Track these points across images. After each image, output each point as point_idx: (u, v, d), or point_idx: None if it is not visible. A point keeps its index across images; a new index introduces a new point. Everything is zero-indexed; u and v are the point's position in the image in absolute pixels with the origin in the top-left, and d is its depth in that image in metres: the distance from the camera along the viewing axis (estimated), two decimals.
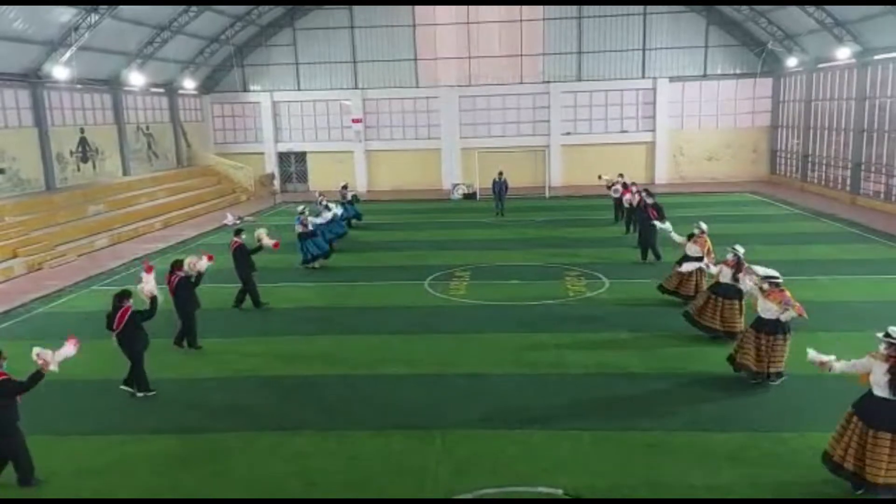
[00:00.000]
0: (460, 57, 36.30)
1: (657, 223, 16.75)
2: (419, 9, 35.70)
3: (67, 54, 24.30)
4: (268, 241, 14.91)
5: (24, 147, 24.57)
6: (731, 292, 11.76)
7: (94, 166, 28.62)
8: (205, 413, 9.89)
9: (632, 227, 21.81)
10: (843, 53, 27.22)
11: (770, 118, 35.90)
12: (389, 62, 36.54)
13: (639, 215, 19.76)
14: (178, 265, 12.21)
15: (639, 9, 34.82)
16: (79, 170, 27.60)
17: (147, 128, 32.87)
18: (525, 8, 35.36)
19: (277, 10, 35.41)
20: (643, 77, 35.72)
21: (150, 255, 21.34)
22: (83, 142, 27.91)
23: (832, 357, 7.76)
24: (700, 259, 13.58)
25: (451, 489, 7.66)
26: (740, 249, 11.89)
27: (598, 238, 22.03)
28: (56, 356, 8.03)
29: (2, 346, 9.32)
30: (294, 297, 15.94)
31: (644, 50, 35.47)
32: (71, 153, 27.19)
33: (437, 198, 33.65)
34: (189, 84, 34.61)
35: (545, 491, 7.55)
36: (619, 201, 23.24)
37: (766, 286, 10.04)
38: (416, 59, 36.52)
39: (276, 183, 37.00)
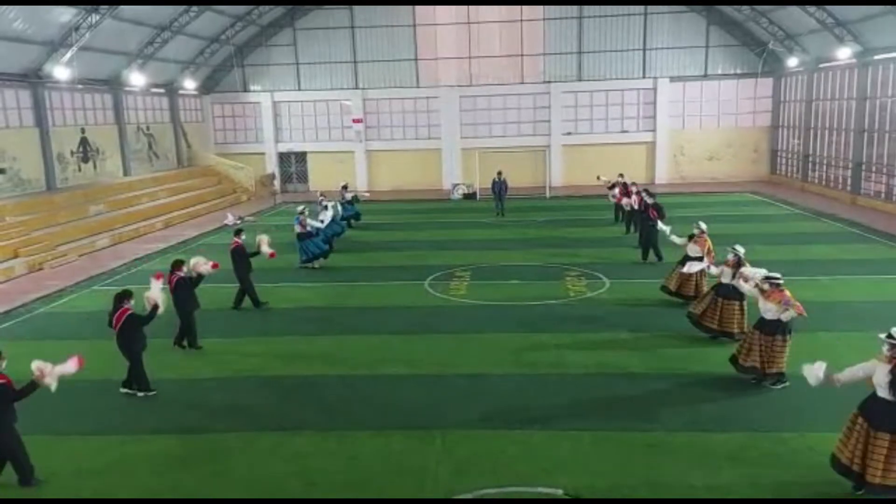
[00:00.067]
0: (461, 57, 36.30)
1: (659, 224, 16.75)
2: (419, 9, 35.70)
3: (68, 54, 24.31)
4: (266, 249, 14.78)
5: (25, 147, 24.58)
6: (731, 293, 11.74)
7: (95, 166, 28.63)
8: (205, 413, 9.89)
9: (632, 228, 21.82)
10: (844, 53, 27.22)
11: (771, 118, 35.89)
12: (390, 62, 36.55)
13: (639, 216, 19.79)
14: (178, 265, 12.23)
15: (639, 9, 34.82)
16: (79, 170, 27.62)
17: (147, 128, 32.88)
18: (525, 8, 35.36)
19: (278, 10, 35.42)
20: (644, 77, 35.71)
21: (150, 256, 21.38)
22: (84, 142, 27.92)
23: (822, 364, 7.68)
24: (700, 259, 13.59)
25: (451, 489, 7.66)
26: (741, 249, 11.89)
27: (598, 238, 22.03)
28: (55, 370, 7.92)
29: (2, 346, 9.35)
30: (294, 297, 15.94)
31: (645, 50, 35.46)
32: (72, 153, 27.21)
33: (438, 198, 33.66)
34: (189, 84, 34.62)
35: (545, 491, 7.55)
36: (619, 202, 23.23)
37: (766, 286, 10.04)
38: (416, 59, 36.52)
39: (277, 183, 37.02)
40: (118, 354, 10.43)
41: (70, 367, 8.14)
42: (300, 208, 19.13)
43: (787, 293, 9.80)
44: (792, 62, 32.16)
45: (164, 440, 9.04)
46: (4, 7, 20.92)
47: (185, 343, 12.45)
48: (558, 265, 18.35)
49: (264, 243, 14.88)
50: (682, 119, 36.20)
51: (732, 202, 29.32)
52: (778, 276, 10.05)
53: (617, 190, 23.46)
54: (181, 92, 35.11)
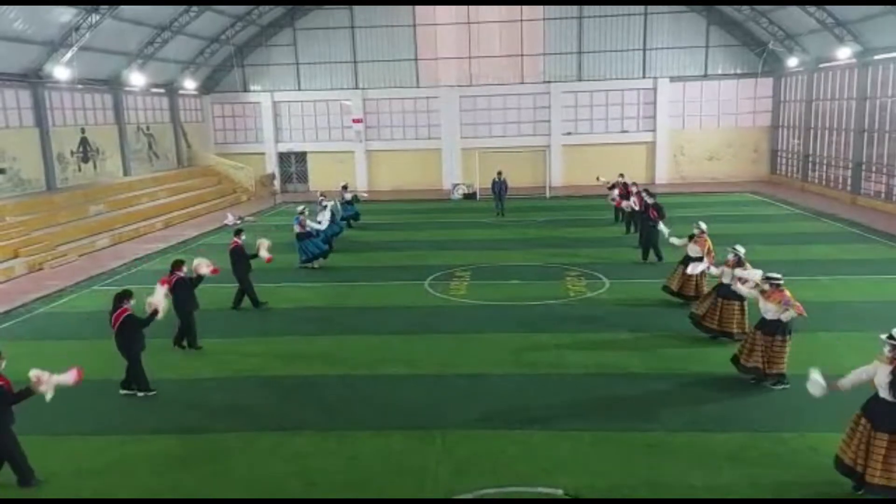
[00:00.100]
0: (461, 57, 36.30)
1: (660, 225, 16.74)
2: (419, 9, 35.70)
3: (68, 54, 24.31)
4: (264, 253, 14.68)
5: (25, 147, 24.58)
6: (730, 293, 11.73)
7: (95, 166, 28.63)
8: (205, 413, 9.89)
9: (632, 228, 21.82)
10: (844, 53, 27.22)
11: (771, 118, 35.90)
12: (390, 62, 36.55)
13: (640, 216, 19.80)
14: (178, 265, 12.22)
15: (639, 9, 34.82)
16: (79, 170, 27.62)
17: (147, 128, 32.89)
18: (525, 8, 35.36)
19: (278, 10, 35.42)
20: (644, 77, 35.72)
21: (150, 256, 21.38)
22: (84, 142, 27.92)
23: (816, 373, 7.65)
24: (701, 259, 13.59)
25: (451, 489, 7.66)
26: (741, 250, 11.89)
27: (598, 238, 22.03)
28: (52, 379, 7.85)
29: (2, 346, 9.35)
30: (294, 297, 15.94)
31: (645, 50, 35.46)
32: (72, 153, 27.21)
33: (438, 198, 33.66)
34: (189, 84, 34.63)
35: (545, 491, 7.55)
36: (619, 206, 23.21)
37: (766, 286, 10.04)
38: (416, 59, 36.52)
39: (277, 183, 37.02)
40: (118, 354, 10.44)
41: (68, 378, 8.07)
42: (300, 208, 19.14)
43: (787, 293, 9.80)
44: (792, 62, 32.16)
45: (164, 440, 9.04)
46: (4, 7, 20.92)
47: (184, 343, 12.44)
48: (558, 265, 18.35)
49: (263, 247, 14.78)
50: (682, 119, 36.21)
51: (732, 202, 29.32)
52: (778, 276, 10.05)
53: (616, 192, 23.43)
54: (181, 92, 35.11)
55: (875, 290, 15.22)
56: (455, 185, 34.10)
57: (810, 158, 32.26)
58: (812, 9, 26.67)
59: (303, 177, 38.45)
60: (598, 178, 26.23)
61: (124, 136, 30.45)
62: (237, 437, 9.05)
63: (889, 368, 7.08)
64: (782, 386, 10.00)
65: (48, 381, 7.80)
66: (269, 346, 12.67)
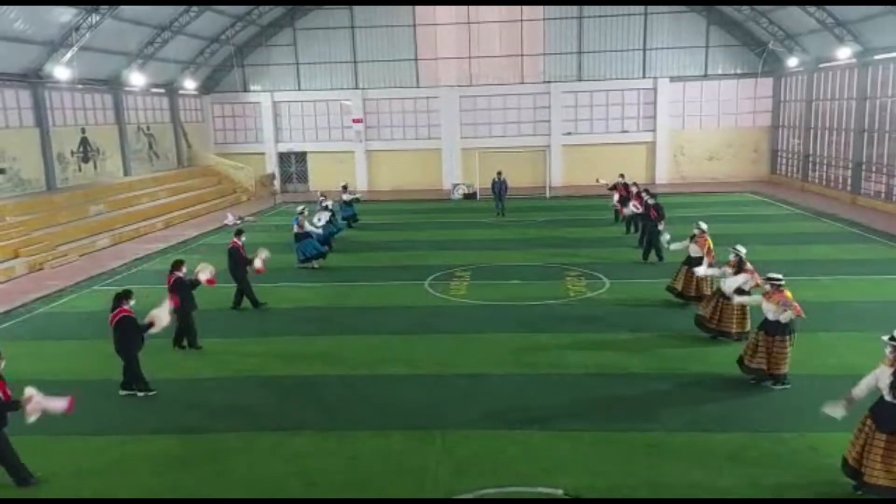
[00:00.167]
0: (461, 57, 36.30)
1: (662, 230, 16.76)
2: (419, 9, 35.70)
3: (68, 54, 24.31)
4: (258, 262, 14.54)
5: (25, 147, 24.58)
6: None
7: (95, 166, 28.64)
8: (205, 413, 9.89)
9: (632, 228, 21.83)
10: (844, 53, 27.22)
11: (771, 118, 35.89)
12: (390, 62, 36.55)
13: (640, 216, 19.82)
14: (178, 265, 12.22)
15: (639, 9, 34.82)
16: (80, 170, 27.62)
17: (148, 128, 32.89)
18: (525, 8, 35.36)
19: (278, 10, 35.42)
20: (644, 77, 35.71)
21: (150, 256, 21.38)
22: (84, 142, 27.92)
23: (834, 405, 7.58)
24: (701, 259, 13.62)
25: (451, 489, 7.66)
26: (742, 250, 11.87)
27: (598, 238, 22.02)
28: (41, 404, 7.67)
29: (2, 346, 9.35)
30: (294, 297, 15.94)
31: (645, 50, 35.46)
32: (72, 153, 27.21)
33: (438, 198, 33.65)
34: (189, 84, 34.63)
35: (545, 491, 7.55)
36: (618, 199, 23.22)
37: (768, 287, 10.04)
38: (416, 59, 36.52)
39: (277, 183, 37.02)
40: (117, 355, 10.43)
41: (58, 405, 7.87)
42: (300, 209, 19.13)
43: (787, 294, 9.80)
44: (792, 62, 32.16)
45: (164, 440, 9.04)
46: (4, 7, 20.92)
47: (184, 343, 12.44)
48: (558, 265, 18.35)
49: (259, 258, 14.58)
50: (682, 119, 36.20)
51: (732, 202, 29.32)
52: (779, 276, 10.04)
53: (617, 196, 23.41)
54: (181, 92, 35.11)
55: (875, 290, 15.22)
56: (455, 185, 34.10)
57: (810, 158, 32.26)
58: (812, 9, 26.67)
59: (303, 177, 38.45)
60: (597, 180, 26.22)
61: (124, 136, 30.45)
62: (237, 437, 9.05)
63: (891, 370, 7.08)
64: (782, 386, 10.00)
65: (35, 407, 7.62)
66: (269, 346, 12.67)
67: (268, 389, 10.65)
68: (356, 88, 36.83)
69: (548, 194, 32.68)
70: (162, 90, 33.61)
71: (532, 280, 16.94)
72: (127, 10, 25.49)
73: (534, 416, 9.40)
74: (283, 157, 38.25)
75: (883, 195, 26.46)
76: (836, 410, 7.48)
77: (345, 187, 26.10)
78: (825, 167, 31.28)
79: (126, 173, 30.39)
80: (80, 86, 26.98)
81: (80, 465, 8.45)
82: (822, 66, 30.49)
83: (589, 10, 35.06)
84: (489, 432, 8.96)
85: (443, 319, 13.96)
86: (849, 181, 28.61)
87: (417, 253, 20.55)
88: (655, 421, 9.14)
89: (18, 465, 7.90)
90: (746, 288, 11.59)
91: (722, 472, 7.83)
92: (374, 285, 16.97)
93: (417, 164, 36.94)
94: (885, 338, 7.24)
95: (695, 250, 13.97)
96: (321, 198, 22.43)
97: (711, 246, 13.87)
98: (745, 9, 31.67)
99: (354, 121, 36.85)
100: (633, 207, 20.56)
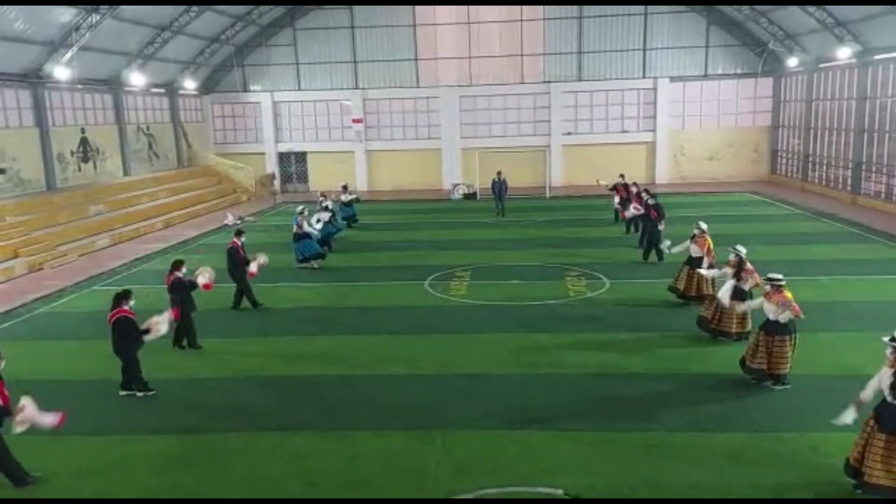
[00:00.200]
0: (461, 57, 36.30)
1: (664, 245, 16.81)
2: (419, 9, 35.70)
3: (68, 54, 24.31)
4: (253, 266, 14.56)
5: (25, 147, 24.58)
6: (731, 293, 11.79)
7: (95, 166, 28.63)
8: (205, 413, 9.89)
9: (632, 228, 21.83)
10: (844, 53, 27.22)
11: (771, 118, 35.89)
12: (390, 62, 36.55)
13: (642, 217, 19.82)
14: (178, 265, 12.22)
15: (639, 9, 34.82)
16: (80, 170, 27.61)
17: (148, 128, 32.88)
18: (525, 8, 35.35)
19: (278, 10, 35.42)
20: (644, 77, 35.71)
21: (150, 256, 21.38)
22: (84, 142, 27.92)
23: (847, 413, 7.53)
24: (701, 259, 13.64)
25: (451, 489, 7.65)
26: (742, 250, 11.88)
27: (598, 238, 22.02)
28: (31, 416, 7.61)
29: (2, 346, 9.35)
30: (294, 297, 15.94)
31: (645, 50, 35.46)
32: (72, 153, 27.21)
33: (438, 198, 33.65)
34: (189, 84, 34.63)
35: (545, 491, 7.55)
36: (620, 201, 23.21)
37: (768, 288, 10.04)
38: (416, 59, 36.52)
39: (277, 183, 37.01)
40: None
41: (48, 420, 7.80)
42: (300, 209, 19.12)
43: (786, 295, 9.79)
44: (792, 62, 32.16)
45: (164, 440, 9.04)
46: (4, 7, 20.92)
47: (184, 343, 12.44)
48: (558, 265, 18.35)
49: (256, 262, 14.56)
50: (682, 119, 36.20)
51: (732, 202, 29.32)
52: (779, 277, 10.03)
53: (618, 199, 23.40)
54: (181, 92, 35.11)
55: (875, 290, 15.22)
56: (455, 185, 34.09)
57: (810, 158, 32.26)
58: (812, 9, 26.66)
59: (303, 177, 38.45)
60: (598, 181, 26.18)
61: (124, 136, 30.45)
62: (237, 437, 9.05)
63: (891, 371, 7.08)
64: (782, 386, 10.00)
65: (25, 418, 7.58)
66: (269, 346, 12.66)
67: (268, 389, 10.65)
68: (356, 88, 36.83)
69: (548, 194, 32.68)
70: (162, 90, 33.61)
71: (532, 280, 16.93)
72: (127, 10, 25.49)
73: (534, 416, 9.40)
74: (283, 157, 38.25)
75: (883, 195, 26.46)
76: (846, 416, 7.44)
77: (345, 187, 26.09)
78: (825, 167, 31.28)
79: (126, 173, 30.39)
80: (79, 86, 26.98)
81: (80, 465, 8.45)
82: (822, 66, 30.49)
83: (589, 10, 35.06)
84: (489, 432, 8.95)
85: (443, 319, 13.95)
86: (849, 181, 28.61)
87: (417, 253, 20.55)
88: (655, 421, 9.14)
89: (14, 466, 7.88)
90: (746, 288, 11.62)
91: (722, 472, 7.83)
92: (374, 285, 16.97)
93: (417, 164, 36.94)
94: (886, 339, 7.24)
95: (695, 250, 13.99)
96: (321, 198, 22.43)
97: (711, 246, 13.88)
98: (745, 9, 31.67)
99: (354, 121, 36.85)
100: (633, 210, 20.57)
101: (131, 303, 10.35)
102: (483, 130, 36.81)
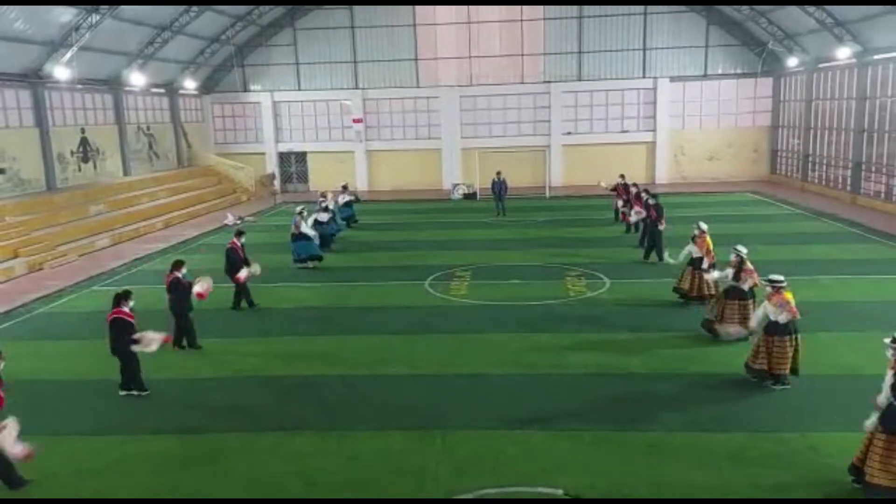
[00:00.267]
0: (461, 57, 36.30)
1: (666, 257, 16.80)
2: (419, 9, 35.70)
3: (68, 54, 24.31)
4: (243, 272, 14.53)
5: (25, 147, 24.58)
6: (731, 292, 11.82)
7: (95, 166, 28.63)
8: (205, 413, 9.89)
9: (632, 228, 21.82)
10: (844, 53, 27.21)
11: (771, 118, 35.90)
12: (390, 62, 36.55)
13: (643, 217, 19.83)
14: (178, 265, 12.20)
15: (639, 9, 34.82)
16: (80, 170, 27.61)
17: (148, 128, 32.89)
18: (525, 8, 35.35)
19: (278, 10, 35.42)
20: (644, 77, 35.71)
21: (150, 256, 21.38)
22: (84, 142, 27.92)
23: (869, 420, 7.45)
24: (701, 259, 13.65)
25: (451, 489, 7.65)
26: (743, 250, 11.87)
27: (598, 238, 22.02)
28: (5, 439, 7.59)
29: (2, 346, 9.34)
30: (294, 297, 15.93)
31: (644, 50, 35.46)
32: (72, 153, 27.21)
33: (438, 198, 33.65)
34: (189, 84, 34.62)
35: (545, 491, 7.55)
36: (623, 204, 23.20)
37: (769, 289, 10.04)
38: (416, 59, 36.52)
39: (277, 183, 37.01)
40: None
41: (17, 451, 7.69)
42: (299, 209, 19.12)
43: (785, 295, 9.79)
44: (792, 62, 32.15)
45: (164, 440, 9.04)
46: (4, 7, 20.92)
47: (184, 343, 12.44)
48: (558, 265, 18.35)
49: (247, 270, 14.57)
50: (682, 119, 36.20)
51: (732, 202, 29.32)
52: (780, 278, 10.01)
53: (621, 203, 23.38)
54: (181, 92, 35.11)
55: (875, 290, 15.21)
56: (455, 185, 34.09)
57: (810, 158, 32.26)
58: (812, 9, 26.66)
59: (303, 177, 38.45)
60: (599, 183, 26.10)
61: (124, 136, 30.45)
62: (237, 437, 9.05)
63: (891, 372, 7.08)
64: (782, 386, 10.00)
65: (10, 431, 7.59)
66: (269, 346, 12.66)
67: (268, 389, 10.65)
68: (356, 88, 36.83)
69: (548, 194, 32.67)
70: (162, 90, 33.61)
71: (532, 280, 16.93)
72: (127, 10, 25.49)
73: (534, 416, 9.39)
74: (283, 157, 38.25)
75: (883, 195, 26.46)
76: (868, 422, 7.36)
77: (345, 187, 26.09)
78: (825, 167, 31.28)
79: (126, 173, 30.38)
80: (79, 86, 26.98)
81: (80, 465, 8.44)
82: (821, 66, 30.48)
83: (589, 10, 35.06)
84: (489, 432, 8.95)
85: (443, 319, 13.95)
86: (848, 181, 28.61)
87: (417, 253, 20.55)
88: (655, 421, 9.14)
89: (8, 469, 7.85)
90: (745, 287, 11.64)
91: (722, 472, 7.83)
92: (374, 285, 16.97)
93: (417, 164, 36.94)
94: (887, 340, 7.24)
95: (695, 250, 13.99)
96: (321, 198, 22.42)
97: (711, 246, 13.88)
98: (745, 9, 31.67)
99: (354, 121, 36.85)
100: (635, 214, 20.62)
101: (131, 303, 10.35)
102: (483, 130, 36.81)
